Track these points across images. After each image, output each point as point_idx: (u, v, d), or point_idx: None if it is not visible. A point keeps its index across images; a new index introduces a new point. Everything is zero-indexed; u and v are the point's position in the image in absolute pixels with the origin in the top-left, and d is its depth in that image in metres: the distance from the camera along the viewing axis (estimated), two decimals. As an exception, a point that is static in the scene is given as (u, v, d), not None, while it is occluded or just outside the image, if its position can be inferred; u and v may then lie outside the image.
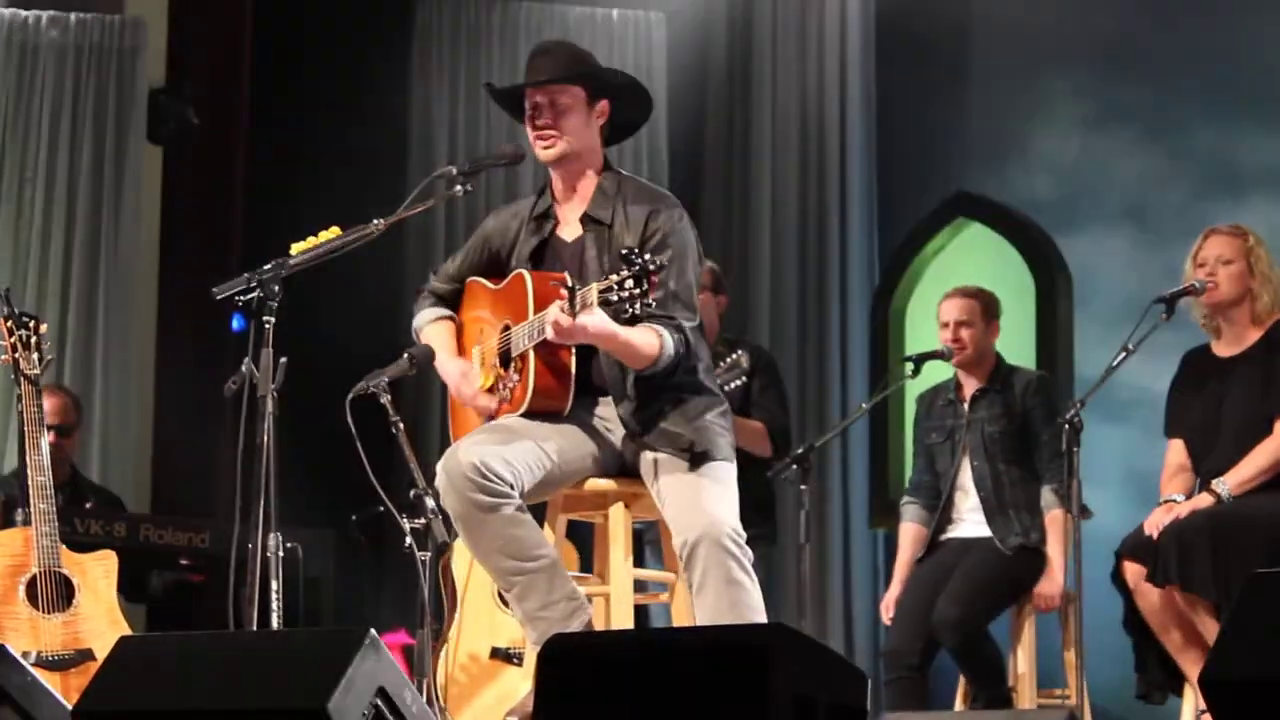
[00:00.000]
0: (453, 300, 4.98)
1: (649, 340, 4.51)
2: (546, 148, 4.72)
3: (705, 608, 4.50)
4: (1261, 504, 5.53)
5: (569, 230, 4.77)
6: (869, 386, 8.31)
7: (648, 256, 4.26)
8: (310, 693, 3.41)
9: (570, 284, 4.35)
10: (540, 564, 4.58)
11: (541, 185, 4.89)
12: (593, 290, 4.29)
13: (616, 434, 4.71)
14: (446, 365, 4.89)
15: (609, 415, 4.72)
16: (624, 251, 4.27)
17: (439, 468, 4.63)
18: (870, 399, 6.98)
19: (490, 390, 4.78)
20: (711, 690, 3.27)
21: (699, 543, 4.49)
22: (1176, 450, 5.86)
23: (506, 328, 4.71)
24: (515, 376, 4.66)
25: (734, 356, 6.61)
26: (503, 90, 4.93)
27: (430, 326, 4.96)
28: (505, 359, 4.71)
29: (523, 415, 4.65)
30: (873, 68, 8.73)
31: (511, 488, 4.54)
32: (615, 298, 4.23)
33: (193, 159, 8.79)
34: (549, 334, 4.44)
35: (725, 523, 4.52)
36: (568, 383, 4.63)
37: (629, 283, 4.22)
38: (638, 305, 4.24)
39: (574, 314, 4.34)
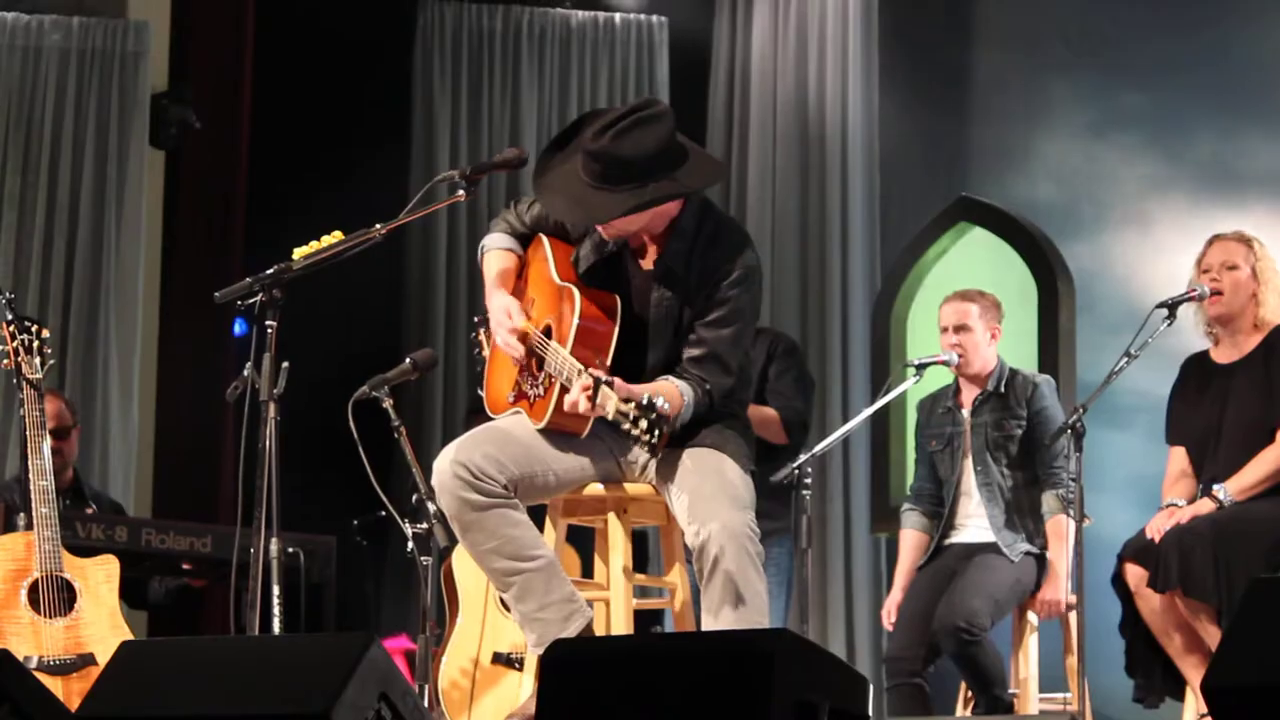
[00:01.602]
0: (524, 242, 4.90)
1: (671, 395, 4.47)
2: (608, 231, 4.63)
3: (710, 600, 4.49)
4: (1263, 510, 5.53)
5: (647, 260, 4.70)
6: (870, 391, 8.30)
7: (667, 407, 4.25)
8: (313, 698, 3.42)
9: (599, 377, 4.32)
10: (537, 564, 4.58)
11: None
12: (611, 402, 4.26)
13: (629, 446, 4.69)
14: (494, 297, 4.77)
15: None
16: (646, 400, 4.22)
17: (435, 467, 4.62)
18: (872, 404, 6.97)
19: (520, 375, 4.74)
20: (714, 696, 3.27)
21: (713, 536, 4.46)
22: (1178, 457, 5.86)
23: (548, 329, 4.67)
24: (541, 390, 4.64)
25: None
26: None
27: (494, 252, 4.86)
28: (540, 362, 4.67)
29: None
30: (874, 72, 8.74)
31: (505, 488, 4.54)
32: (626, 427, 4.24)
33: (195, 163, 8.80)
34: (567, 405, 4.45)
35: (742, 518, 4.51)
36: (588, 417, 4.59)
37: (642, 423, 4.22)
38: (645, 449, 4.28)
39: (592, 405, 4.33)
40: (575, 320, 4.57)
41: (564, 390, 4.53)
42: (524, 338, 4.67)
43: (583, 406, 4.35)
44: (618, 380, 4.34)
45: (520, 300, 4.76)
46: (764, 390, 6.51)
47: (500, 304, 4.73)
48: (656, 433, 4.21)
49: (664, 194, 4.52)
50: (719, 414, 4.66)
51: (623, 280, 4.66)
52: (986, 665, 6.19)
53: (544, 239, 4.81)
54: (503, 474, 4.54)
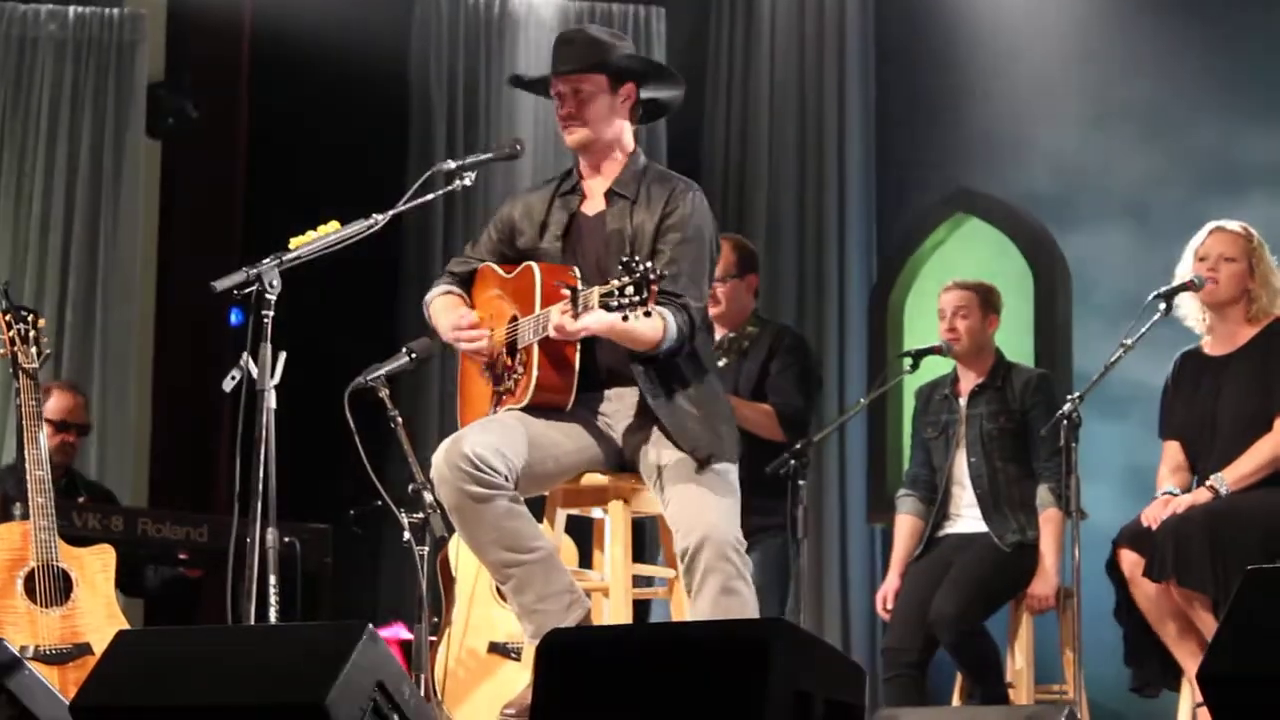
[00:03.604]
0: (470, 281, 4.98)
1: (653, 325, 4.51)
2: (570, 136, 4.79)
3: (700, 613, 4.52)
4: (1259, 500, 5.52)
5: (592, 205, 4.80)
6: (867, 382, 8.31)
7: (649, 264, 4.30)
8: (308, 687, 3.42)
9: (573, 286, 4.38)
10: (536, 556, 4.58)
11: (568, 168, 4.92)
12: (594, 294, 4.32)
13: (618, 429, 4.72)
14: (443, 322, 4.86)
15: (610, 411, 4.73)
16: (624, 259, 4.30)
17: (434, 459, 4.63)
18: (868, 394, 6.97)
19: (496, 380, 4.78)
20: (710, 685, 3.27)
21: (701, 548, 4.50)
22: (1172, 451, 5.85)
23: (514, 319, 4.72)
24: (520, 369, 4.68)
25: (723, 333, 6.48)
26: (530, 80, 5.00)
27: (438, 299, 4.96)
28: (511, 350, 4.72)
29: (525, 409, 4.66)
30: (872, 62, 8.74)
31: (506, 479, 4.55)
32: (615, 303, 4.26)
33: (191, 153, 8.79)
34: (552, 333, 4.47)
35: (728, 530, 4.53)
36: (570, 378, 4.63)
37: (629, 289, 4.26)
38: (638, 311, 4.26)
39: (576, 315, 4.36)
40: (538, 281, 4.64)
41: (543, 356, 4.58)
42: (495, 380, 4.76)
43: (571, 326, 4.40)
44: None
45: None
46: (764, 385, 6.46)
47: (449, 320, 4.82)
48: (645, 289, 4.24)
49: (596, 61, 4.75)
50: (700, 380, 4.68)
51: (578, 232, 4.79)
52: (982, 657, 6.20)
53: (488, 265, 4.91)
54: (504, 464, 4.55)
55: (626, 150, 4.83)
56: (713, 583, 4.50)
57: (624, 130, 4.83)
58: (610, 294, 4.28)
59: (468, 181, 4.88)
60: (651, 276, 4.25)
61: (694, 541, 4.50)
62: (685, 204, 4.71)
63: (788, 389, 6.45)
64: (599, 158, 4.81)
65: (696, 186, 4.80)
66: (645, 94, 4.86)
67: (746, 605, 4.53)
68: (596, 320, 4.41)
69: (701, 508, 4.53)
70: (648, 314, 4.30)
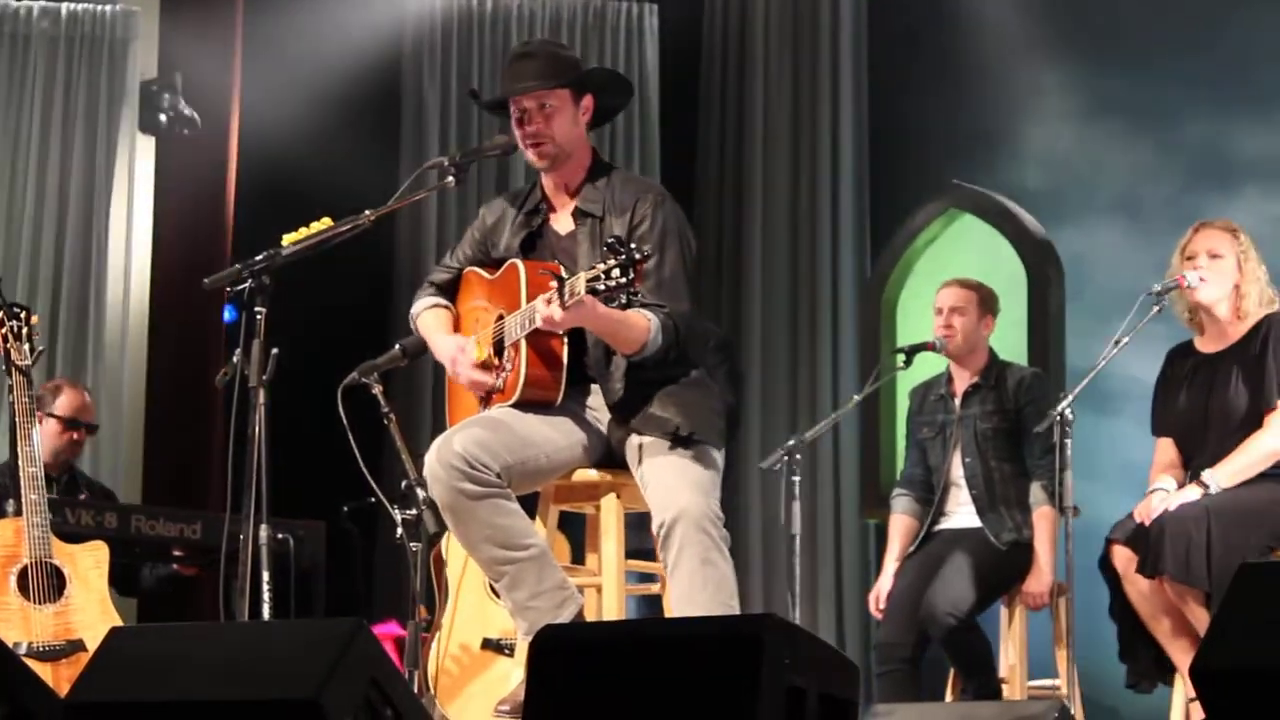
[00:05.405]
0: (452, 289, 4.99)
1: (638, 324, 4.52)
2: (539, 154, 4.74)
3: (678, 587, 4.51)
4: (1252, 495, 5.53)
5: (562, 224, 4.80)
6: (860, 378, 8.31)
7: (633, 245, 4.29)
8: (302, 684, 3.41)
9: (559, 274, 4.38)
10: (529, 553, 4.59)
11: (534, 180, 4.91)
12: (580, 280, 4.31)
13: (605, 422, 4.72)
14: (440, 344, 4.89)
15: (599, 405, 4.73)
16: (610, 240, 4.29)
17: (427, 457, 4.63)
18: (862, 390, 6.97)
19: (485, 369, 4.79)
20: (703, 681, 3.27)
21: (675, 523, 4.50)
22: (1165, 449, 5.85)
23: (500, 317, 4.73)
24: (508, 366, 4.68)
25: None
26: (492, 100, 4.97)
27: (425, 313, 4.98)
28: (499, 348, 4.73)
29: (514, 405, 4.66)
30: (864, 59, 8.75)
31: (499, 477, 4.56)
32: (602, 286, 4.26)
33: (184, 150, 8.78)
34: (539, 323, 4.46)
35: (704, 504, 4.53)
36: (559, 373, 4.64)
37: (615, 271, 4.25)
38: (624, 294, 4.26)
39: (563, 304, 4.36)
40: (523, 276, 4.64)
41: (532, 352, 4.58)
42: (483, 364, 4.73)
43: (558, 315, 4.38)
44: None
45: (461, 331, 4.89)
46: None
47: (448, 348, 4.83)
48: (632, 270, 4.23)
49: (561, 75, 4.71)
50: (686, 376, 4.67)
51: (547, 249, 4.78)
52: (975, 651, 6.20)
53: (471, 269, 4.92)
54: (496, 461, 4.55)
55: (586, 162, 4.81)
56: (689, 555, 4.49)
57: (585, 141, 4.82)
58: (596, 277, 4.27)
59: (461, 177, 4.87)
60: (638, 257, 4.25)
61: (669, 517, 4.51)
62: (652, 210, 4.68)
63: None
64: (566, 175, 4.79)
65: (661, 189, 4.80)
66: (598, 103, 4.83)
67: (724, 578, 4.53)
68: (584, 311, 4.39)
69: (676, 483, 4.54)
70: (635, 294, 4.29)
